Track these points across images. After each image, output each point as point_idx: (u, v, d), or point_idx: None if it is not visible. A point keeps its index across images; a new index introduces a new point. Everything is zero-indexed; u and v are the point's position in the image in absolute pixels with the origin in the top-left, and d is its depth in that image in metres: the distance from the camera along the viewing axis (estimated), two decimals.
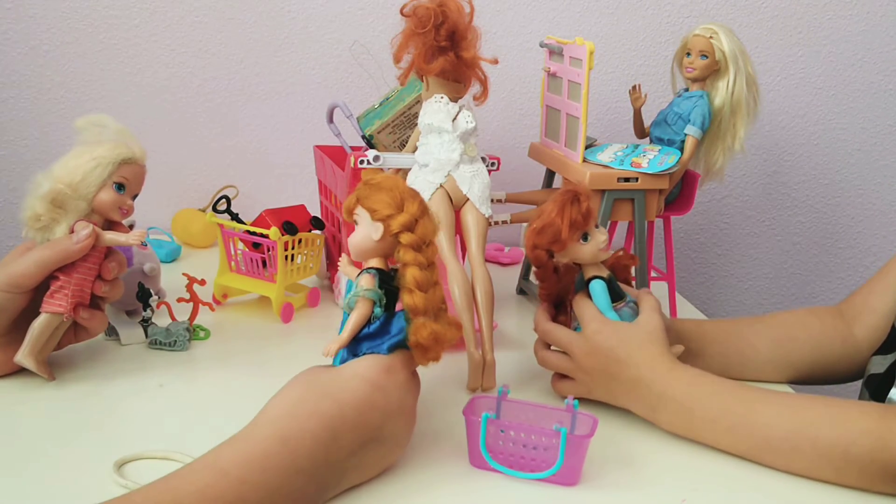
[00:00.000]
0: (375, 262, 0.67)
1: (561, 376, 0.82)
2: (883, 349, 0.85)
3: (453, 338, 0.67)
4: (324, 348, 0.65)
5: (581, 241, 0.77)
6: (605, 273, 0.79)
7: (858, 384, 0.89)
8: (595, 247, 0.77)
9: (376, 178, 0.67)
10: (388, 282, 0.67)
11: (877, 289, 0.91)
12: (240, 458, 0.57)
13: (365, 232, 0.67)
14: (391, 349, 0.66)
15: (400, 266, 0.66)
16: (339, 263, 0.73)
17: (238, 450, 0.58)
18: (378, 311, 0.66)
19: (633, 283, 0.87)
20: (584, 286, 0.80)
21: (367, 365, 0.64)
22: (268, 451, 0.58)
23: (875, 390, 0.83)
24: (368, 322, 0.66)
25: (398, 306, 0.68)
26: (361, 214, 0.67)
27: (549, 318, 0.83)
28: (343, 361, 0.66)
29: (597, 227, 0.78)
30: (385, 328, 0.66)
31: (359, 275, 0.67)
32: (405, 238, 0.65)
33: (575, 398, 0.71)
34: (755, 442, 0.71)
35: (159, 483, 0.55)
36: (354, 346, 0.66)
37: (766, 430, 0.70)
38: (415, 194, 0.67)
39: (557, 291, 0.83)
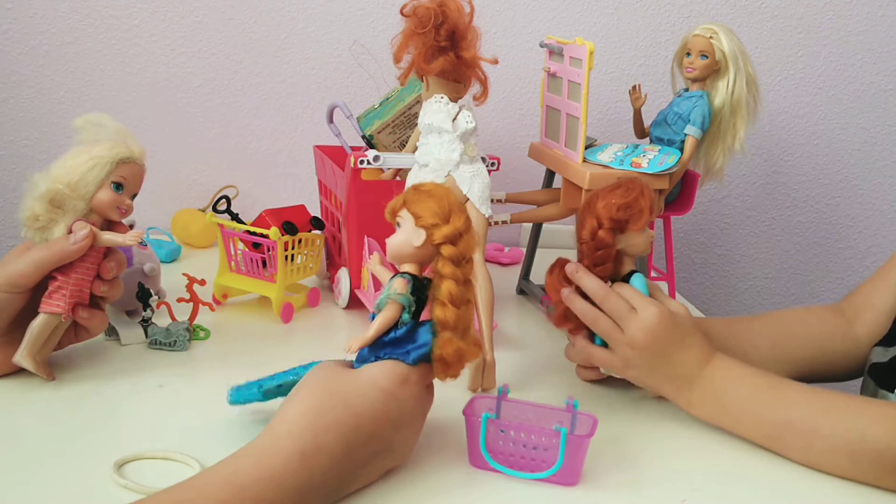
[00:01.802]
0: (410, 268, 0.66)
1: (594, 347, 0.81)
2: (885, 342, 0.86)
3: (475, 357, 0.66)
4: (347, 343, 0.64)
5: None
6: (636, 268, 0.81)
7: (860, 381, 0.89)
8: (647, 240, 0.79)
9: (426, 185, 0.67)
10: (421, 290, 0.66)
11: (878, 286, 0.91)
12: (258, 475, 0.56)
13: (406, 236, 0.65)
14: (416, 361, 0.65)
15: (436, 277, 0.65)
16: (369, 261, 0.72)
17: (256, 465, 0.57)
18: (406, 317, 0.65)
19: None
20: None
21: (385, 373, 0.64)
22: (286, 469, 0.57)
23: (879, 379, 0.84)
24: (395, 327, 0.65)
25: (424, 315, 0.67)
26: (405, 218, 0.66)
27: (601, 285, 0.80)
28: (363, 361, 0.66)
29: None
30: (410, 336, 0.65)
31: (392, 278, 0.66)
32: (446, 250, 0.64)
33: (605, 370, 0.74)
34: (777, 425, 0.72)
35: (171, 494, 0.55)
36: (377, 349, 0.66)
37: (790, 412, 0.72)
38: (462, 208, 0.66)
39: (607, 279, 0.81)
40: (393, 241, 0.67)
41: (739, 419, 0.74)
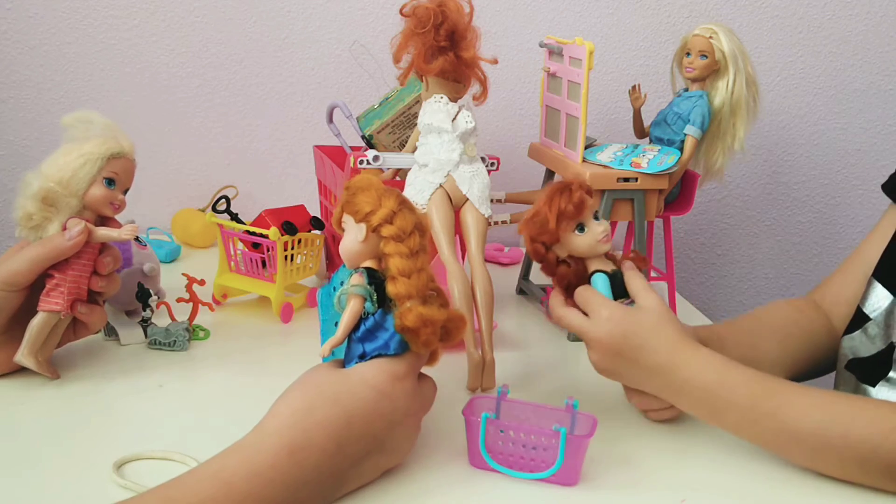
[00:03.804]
0: (368, 264, 0.67)
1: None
2: (849, 330, 0.86)
3: (442, 319, 0.65)
4: (320, 350, 0.65)
5: (577, 231, 0.74)
6: (610, 267, 0.76)
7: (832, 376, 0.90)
8: (592, 238, 0.74)
9: (353, 182, 0.68)
10: (379, 280, 0.67)
11: (848, 280, 0.92)
12: (246, 470, 0.56)
13: (352, 236, 0.67)
14: (397, 350, 0.65)
15: (384, 260, 0.66)
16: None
17: (244, 460, 0.57)
18: (370, 306, 0.66)
19: None
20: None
21: (375, 371, 0.64)
22: (275, 464, 0.57)
23: (862, 373, 0.83)
24: (363, 319, 0.66)
25: None
26: (348, 221, 0.68)
27: (563, 303, 0.78)
28: (350, 361, 0.66)
29: (597, 219, 0.75)
30: (381, 325, 0.66)
31: (350, 275, 0.67)
32: (385, 230, 0.65)
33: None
34: (783, 435, 0.69)
35: (159, 491, 0.55)
36: (354, 347, 0.66)
37: (796, 424, 0.69)
38: (391, 190, 0.67)
39: (576, 281, 0.78)
40: (342, 246, 0.68)
41: (739, 426, 0.71)
